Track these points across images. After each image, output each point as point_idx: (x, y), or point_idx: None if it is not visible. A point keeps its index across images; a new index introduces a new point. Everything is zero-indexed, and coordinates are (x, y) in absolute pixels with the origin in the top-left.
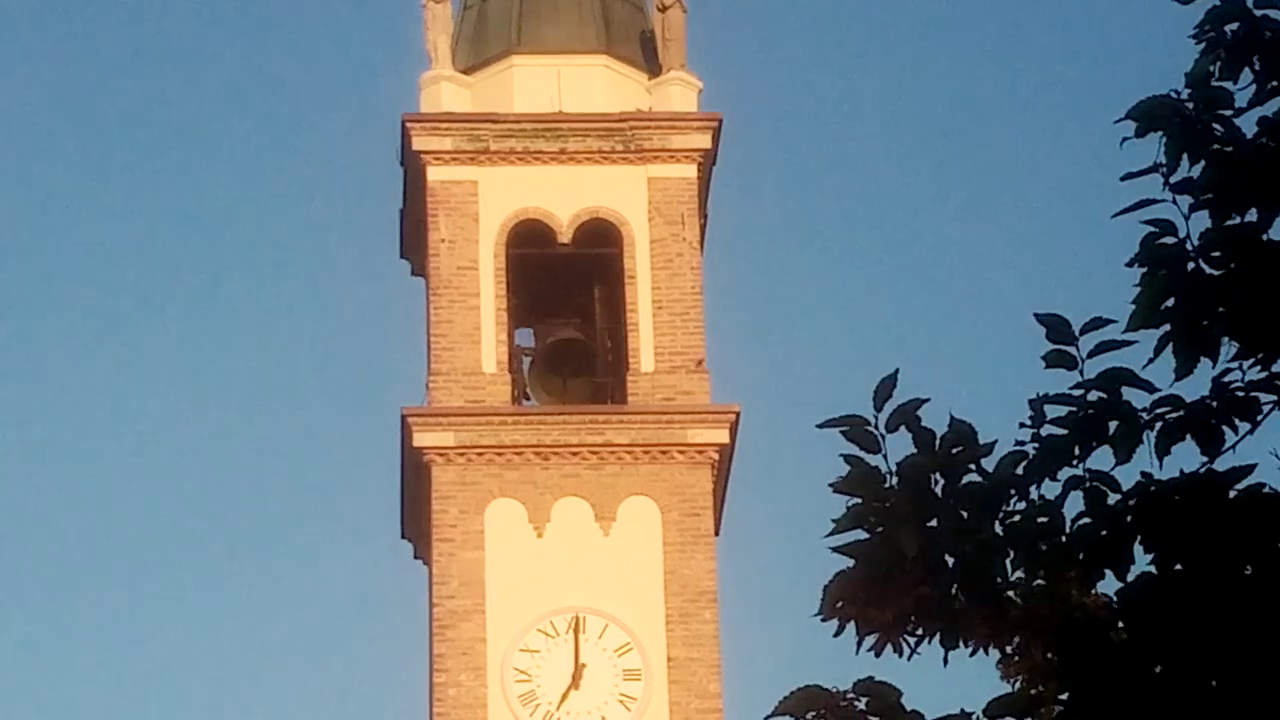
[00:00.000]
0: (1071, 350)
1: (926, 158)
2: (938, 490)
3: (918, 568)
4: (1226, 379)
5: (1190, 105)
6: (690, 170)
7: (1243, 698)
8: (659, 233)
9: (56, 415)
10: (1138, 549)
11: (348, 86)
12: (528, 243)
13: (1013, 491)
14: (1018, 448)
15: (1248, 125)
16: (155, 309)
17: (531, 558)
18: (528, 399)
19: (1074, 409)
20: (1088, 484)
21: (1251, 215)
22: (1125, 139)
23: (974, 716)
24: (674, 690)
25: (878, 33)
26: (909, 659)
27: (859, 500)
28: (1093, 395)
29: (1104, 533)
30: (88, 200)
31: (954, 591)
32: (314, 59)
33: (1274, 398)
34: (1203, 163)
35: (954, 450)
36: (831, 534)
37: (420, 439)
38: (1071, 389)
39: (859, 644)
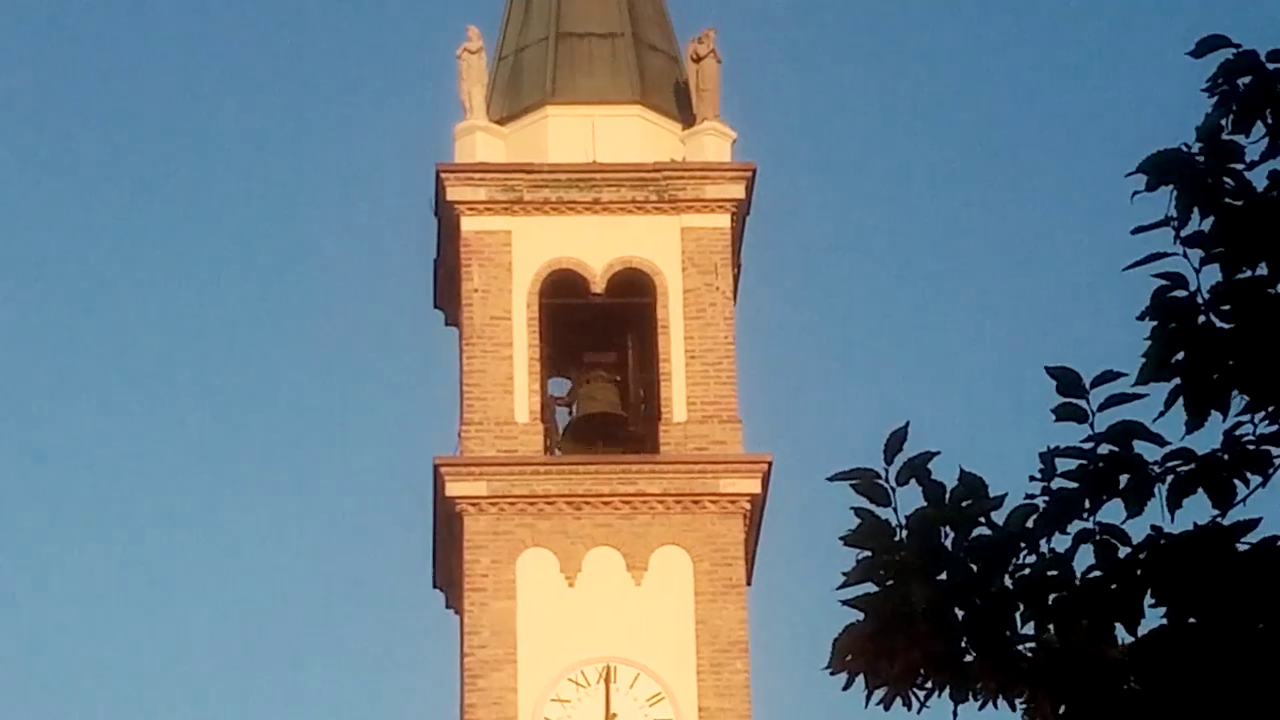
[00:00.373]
0: (1082, 404)
1: (955, 209)
2: (947, 543)
3: (927, 621)
4: (1238, 432)
5: (1201, 159)
6: (724, 220)
7: None
8: (692, 283)
9: (89, 472)
10: (1148, 602)
11: (383, 137)
12: (561, 293)
13: (1023, 545)
14: (1028, 501)
15: (1259, 179)
16: (189, 353)
17: (563, 607)
18: (560, 449)
19: (1084, 462)
20: (1098, 537)
21: (1262, 269)
22: (1136, 192)
23: None
24: None
25: (910, 87)
26: (919, 712)
27: (869, 553)
28: (1103, 448)
29: (1114, 586)
30: (123, 241)
31: (964, 644)
32: (349, 109)
33: None
34: (1213, 216)
35: (964, 503)
36: (842, 587)
37: (453, 489)
38: (1082, 442)
39: (868, 697)
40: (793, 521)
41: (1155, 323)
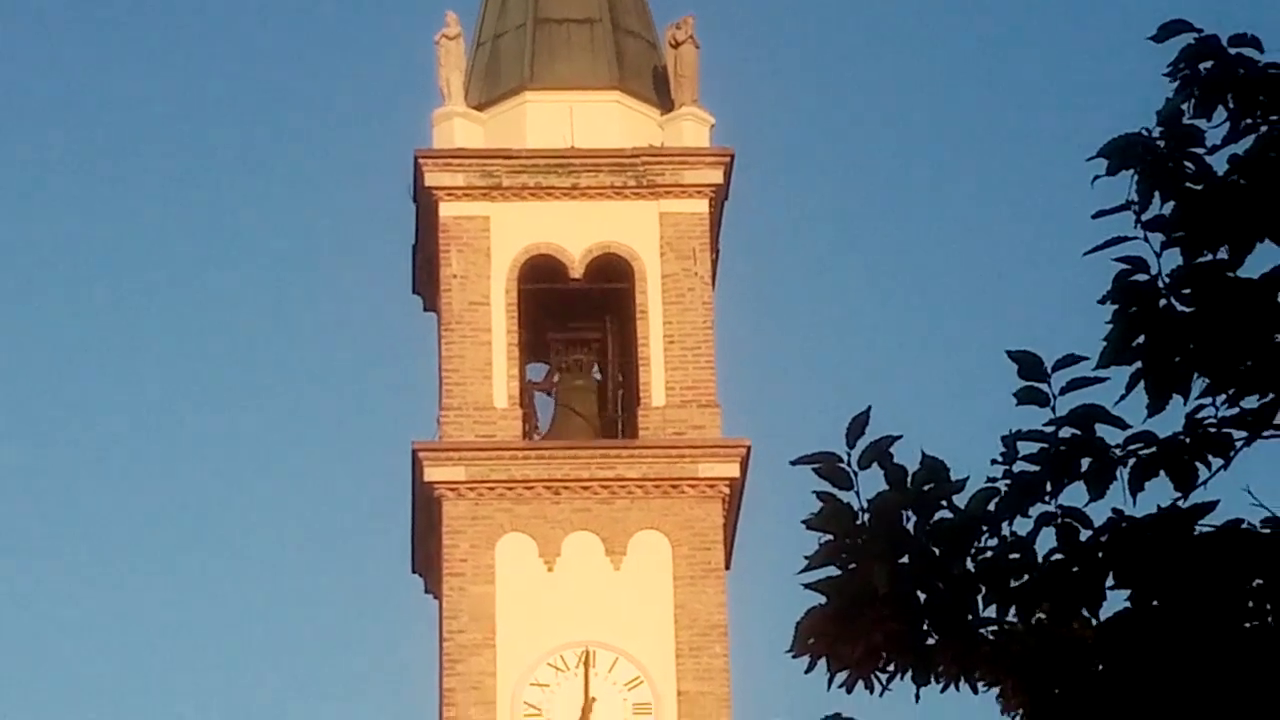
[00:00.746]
0: (1043, 387)
1: (925, 195)
2: (909, 527)
3: (889, 604)
4: (1199, 415)
5: (1162, 143)
6: (702, 205)
7: None
8: (670, 268)
9: (64, 452)
10: (1110, 585)
11: (361, 122)
12: (539, 278)
13: (984, 528)
14: (990, 484)
15: (1219, 163)
16: (168, 342)
17: (542, 592)
18: (539, 433)
19: (1046, 445)
20: (1060, 520)
21: (1223, 252)
22: (1097, 177)
23: None
24: None
25: (885, 72)
26: (881, 695)
27: (831, 537)
28: (1065, 432)
29: (1076, 569)
30: (103, 247)
31: (925, 628)
32: (327, 95)
33: (1245, 434)
34: (1174, 200)
35: (926, 487)
36: (804, 570)
37: (431, 474)
38: (1044, 426)
39: (830, 680)
40: (771, 506)
41: (1116, 306)
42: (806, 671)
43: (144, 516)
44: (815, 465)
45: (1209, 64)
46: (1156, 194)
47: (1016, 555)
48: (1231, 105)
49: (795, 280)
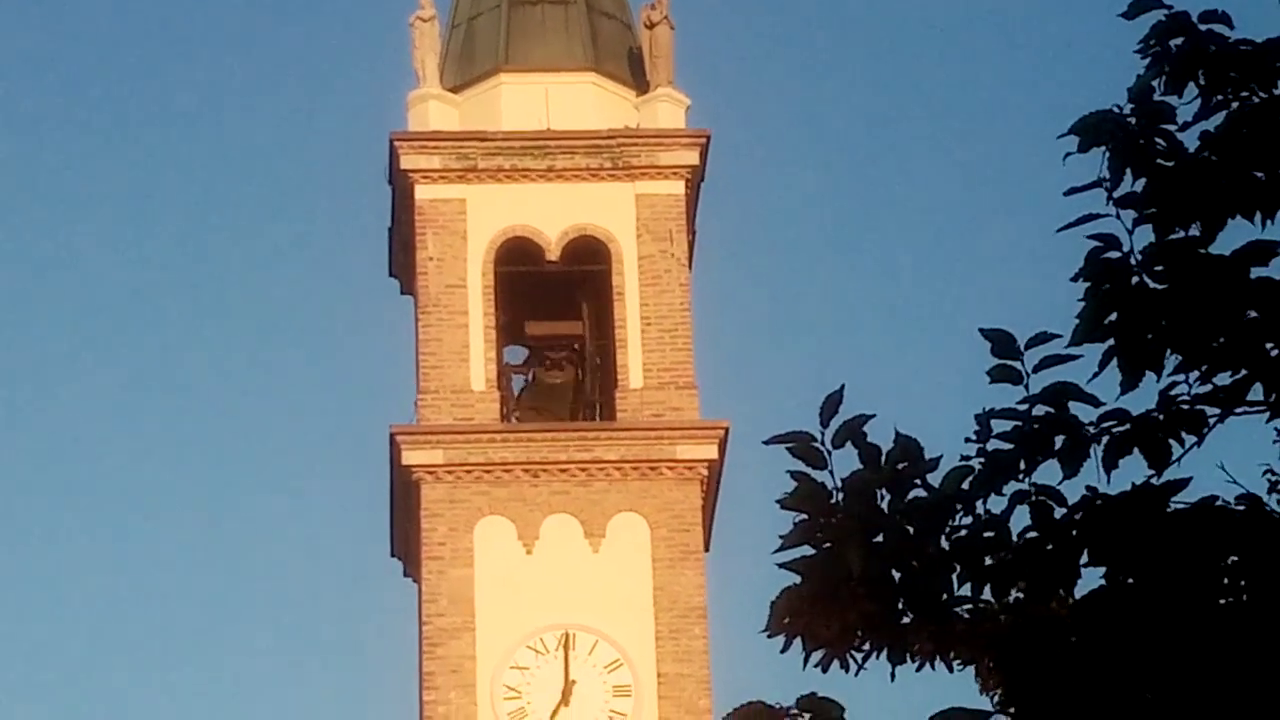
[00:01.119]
0: (1017, 365)
1: (902, 174)
2: (884, 506)
3: (864, 583)
4: (1172, 392)
5: (1133, 120)
6: (678, 187)
7: (1195, 711)
8: (647, 249)
9: (51, 434)
10: (1084, 562)
11: (335, 105)
12: (516, 260)
13: (959, 507)
14: (963, 463)
15: (1191, 140)
16: (145, 326)
17: (521, 575)
18: (517, 416)
19: (1020, 424)
20: (1034, 498)
21: (1195, 229)
22: (1068, 154)
23: None
24: (664, 706)
25: (864, 51)
26: (856, 674)
27: (805, 516)
28: (1038, 410)
29: (1051, 547)
30: (77, 216)
31: (900, 607)
32: (301, 78)
33: (1219, 410)
34: (1146, 178)
35: (899, 466)
36: (779, 550)
37: (409, 457)
38: (1017, 404)
39: (805, 659)
40: (750, 487)
41: (1089, 284)
42: (782, 651)
43: (119, 504)
44: (789, 445)
45: (1180, 40)
46: (1128, 171)
47: (991, 534)
48: (1202, 82)
49: (772, 261)
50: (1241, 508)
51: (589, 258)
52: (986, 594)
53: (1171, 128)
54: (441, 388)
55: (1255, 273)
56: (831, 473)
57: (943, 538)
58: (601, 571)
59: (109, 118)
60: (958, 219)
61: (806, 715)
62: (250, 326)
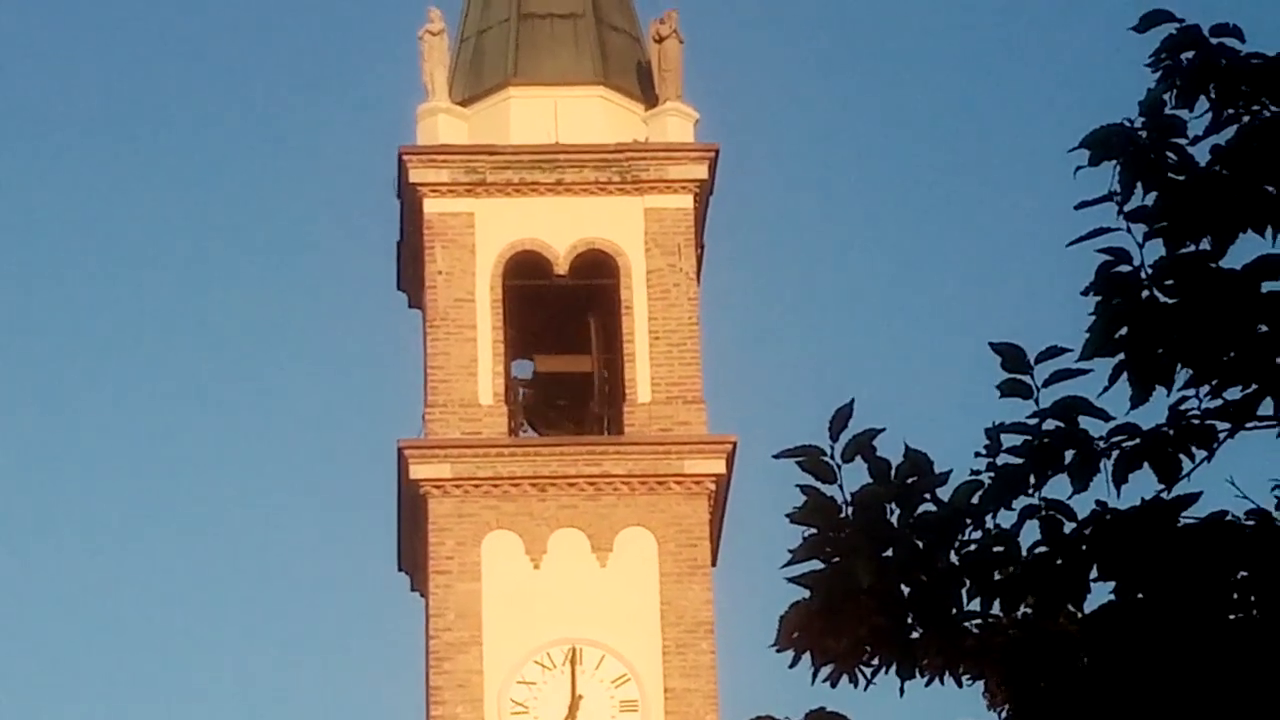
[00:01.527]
0: (1027, 379)
1: (911, 188)
2: (893, 520)
3: (873, 598)
4: (1183, 407)
5: (1144, 134)
6: (687, 201)
7: None
8: (655, 263)
9: (58, 448)
10: (1094, 577)
11: (345, 119)
12: (524, 274)
13: (968, 521)
14: (973, 477)
15: (1202, 154)
16: (154, 339)
17: (528, 589)
18: (525, 430)
19: (1030, 438)
20: (1044, 513)
21: (1205, 243)
22: (1079, 167)
23: None
24: None
25: (873, 65)
26: (865, 689)
27: (815, 530)
28: (1048, 424)
29: (1060, 561)
30: (86, 228)
31: (910, 621)
32: (311, 92)
33: (1229, 425)
34: (1156, 191)
35: (909, 480)
36: (788, 564)
37: (417, 471)
38: (1027, 418)
39: (814, 674)
40: (757, 502)
41: (1099, 298)
42: (791, 666)
43: (129, 515)
44: (799, 459)
45: (1190, 54)
46: (1139, 185)
47: (1000, 548)
48: (1213, 96)
49: (780, 275)
50: (1251, 523)
51: (597, 272)
52: (996, 609)
53: (1182, 141)
54: (449, 402)
55: (1266, 287)
56: (841, 487)
57: (952, 552)
58: (609, 586)
59: (118, 129)
60: (967, 233)
61: None
62: (259, 340)
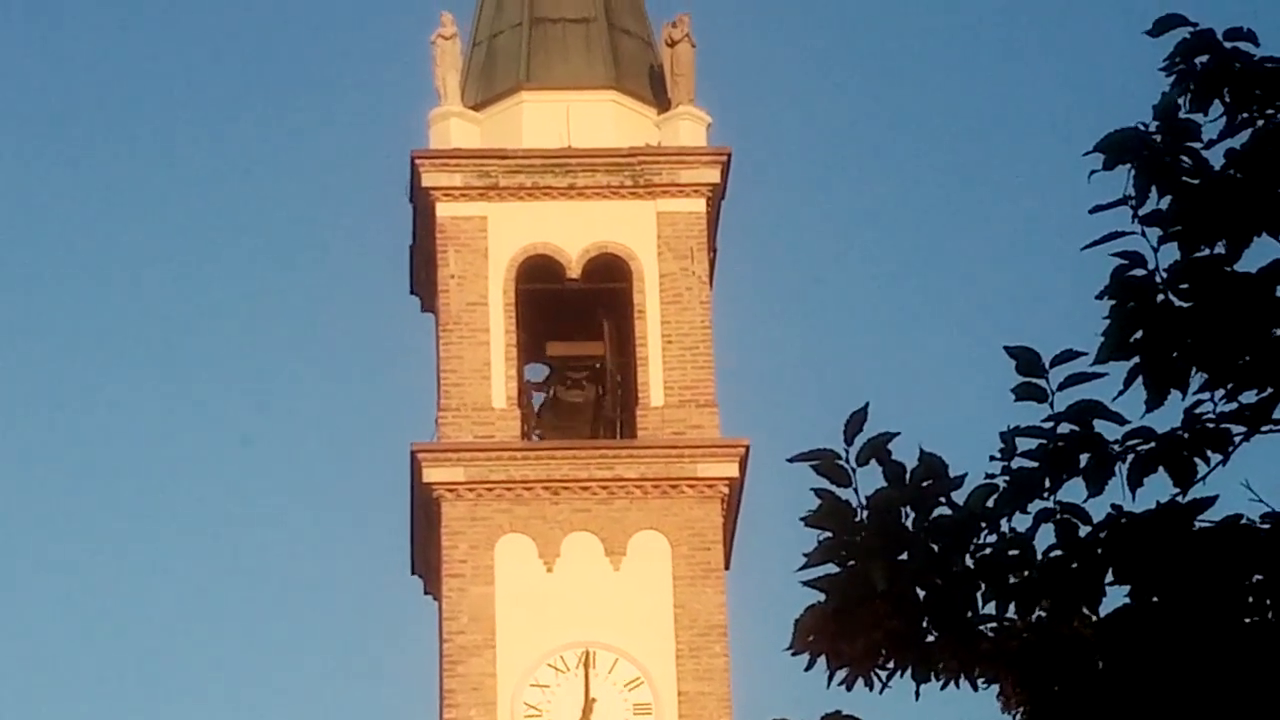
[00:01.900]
0: (1041, 383)
1: (925, 192)
2: (908, 524)
3: (888, 601)
4: (1198, 410)
5: (1159, 137)
6: (699, 205)
7: None
8: (668, 267)
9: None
10: (1109, 581)
11: (357, 123)
12: (537, 278)
13: (983, 524)
14: (988, 481)
15: (1216, 157)
16: (166, 343)
17: (541, 592)
18: (538, 434)
19: (1045, 441)
20: (1059, 516)
21: (1220, 247)
22: (1094, 171)
23: None
24: None
25: (885, 69)
26: (881, 692)
27: (830, 534)
28: (1063, 428)
29: (1075, 565)
30: (97, 230)
31: (925, 625)
32: (324, 96)
33: (1244, 429)
34: (1171, 195)
35: (924, 483)
36: (802, 568)
37: (430, 474)
38: (1042, 421)
39: (830, 678)
40: (771, 505)
41: (1114, 301)
42: (806, 669)
43: (142, 518)
44: (813, 462)
45: (1205, 58)
46: (1154, 188)
47: (1016, 552)
48: (1228, 99)
49: (793, 279)
50: (1267, 526)
51: (610, 275)
52: (1011, 612)
53: (1197, 145)
54: (462, 405)
55: None
56: (856, 490)
57: (967, 556)
58: (622, 589)
59: (129, 133)
60: (982, 237)
61: None
62: (271, 344)
